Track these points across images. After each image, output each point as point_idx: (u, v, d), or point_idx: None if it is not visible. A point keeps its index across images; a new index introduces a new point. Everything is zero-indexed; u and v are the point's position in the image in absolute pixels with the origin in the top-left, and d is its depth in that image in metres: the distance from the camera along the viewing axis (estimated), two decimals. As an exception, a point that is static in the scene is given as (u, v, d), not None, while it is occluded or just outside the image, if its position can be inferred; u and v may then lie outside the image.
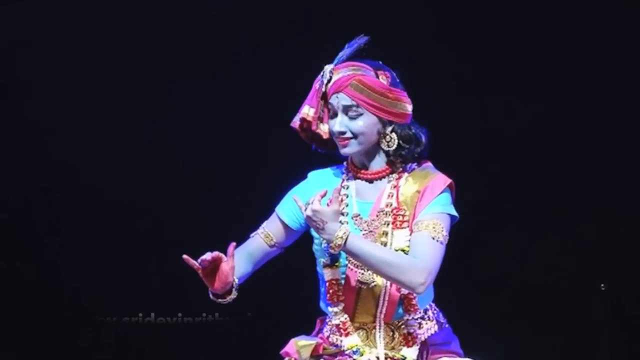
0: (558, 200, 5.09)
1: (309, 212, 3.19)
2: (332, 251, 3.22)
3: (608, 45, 4.96)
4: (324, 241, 3.31)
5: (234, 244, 3.27)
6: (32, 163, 5.17)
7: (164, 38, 5.15)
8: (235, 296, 3.32)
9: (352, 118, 3.33)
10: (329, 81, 3.34)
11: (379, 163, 3.40)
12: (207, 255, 3.21)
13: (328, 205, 3.23)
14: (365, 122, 3.33)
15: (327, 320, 3.43)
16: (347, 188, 3.42)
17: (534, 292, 5.08)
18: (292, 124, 3.40)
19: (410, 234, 3.30)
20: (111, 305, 5.23)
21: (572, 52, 4.99)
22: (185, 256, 3.19)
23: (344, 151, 3.36)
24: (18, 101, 5.15)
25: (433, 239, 3.25)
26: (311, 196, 3.28)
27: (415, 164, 3.41)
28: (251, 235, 3.48)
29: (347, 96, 3.32)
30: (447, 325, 3.43)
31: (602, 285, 5.02)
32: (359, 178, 3.41)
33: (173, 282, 5.16)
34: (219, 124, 5.17)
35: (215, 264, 3.24)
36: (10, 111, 5.14)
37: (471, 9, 5.02)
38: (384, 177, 3.39)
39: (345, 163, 3.46)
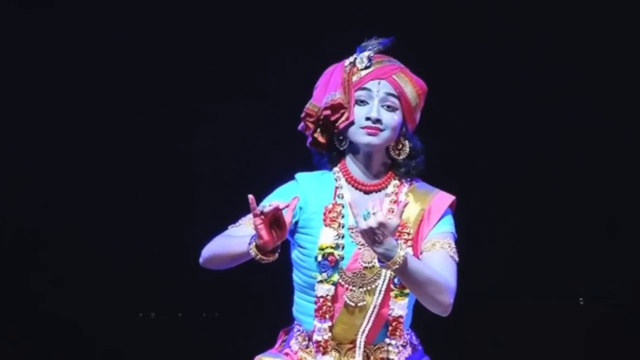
0: (533, 216, 5.13)
1: (372, 224, 2.87)
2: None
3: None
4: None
5: (298, 197, 3.06)
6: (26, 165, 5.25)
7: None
8: (277, 258, 3.04)
9: (387, 109, 3.16)
10: (366, 67, 3.18)
11: (380, 173, 3.23)
12: (279, 204, 2.96)
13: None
14: (398, 118, 3.17)
15: (297, 332, 3.29)
16: (342, 197, 3.21)
17: (509, 308, 5.12)
18: (306, 110, 3.21)
19: (413, 253, 3.13)
20: (111, 305, 5.29)
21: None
22: (250, 196, 2.96)
23: (371, 140, 3.15)
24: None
25: (451, 257, 3.14)
26: (305, 198, 3.15)
27: (413, 179, 3.25)
28: (234, 225, 3.22)
29: (391, 85, 3.17)
30: (420, 347, 3.32)
31: (581, 299, 5.00)
32: (354, 187, 3.22)
33: (173, 282, 5.22)
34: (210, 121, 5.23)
35: (276, 215, 2.96)
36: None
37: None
38: (381, 189, 3.22)
39: (335, 170, 3.26)
